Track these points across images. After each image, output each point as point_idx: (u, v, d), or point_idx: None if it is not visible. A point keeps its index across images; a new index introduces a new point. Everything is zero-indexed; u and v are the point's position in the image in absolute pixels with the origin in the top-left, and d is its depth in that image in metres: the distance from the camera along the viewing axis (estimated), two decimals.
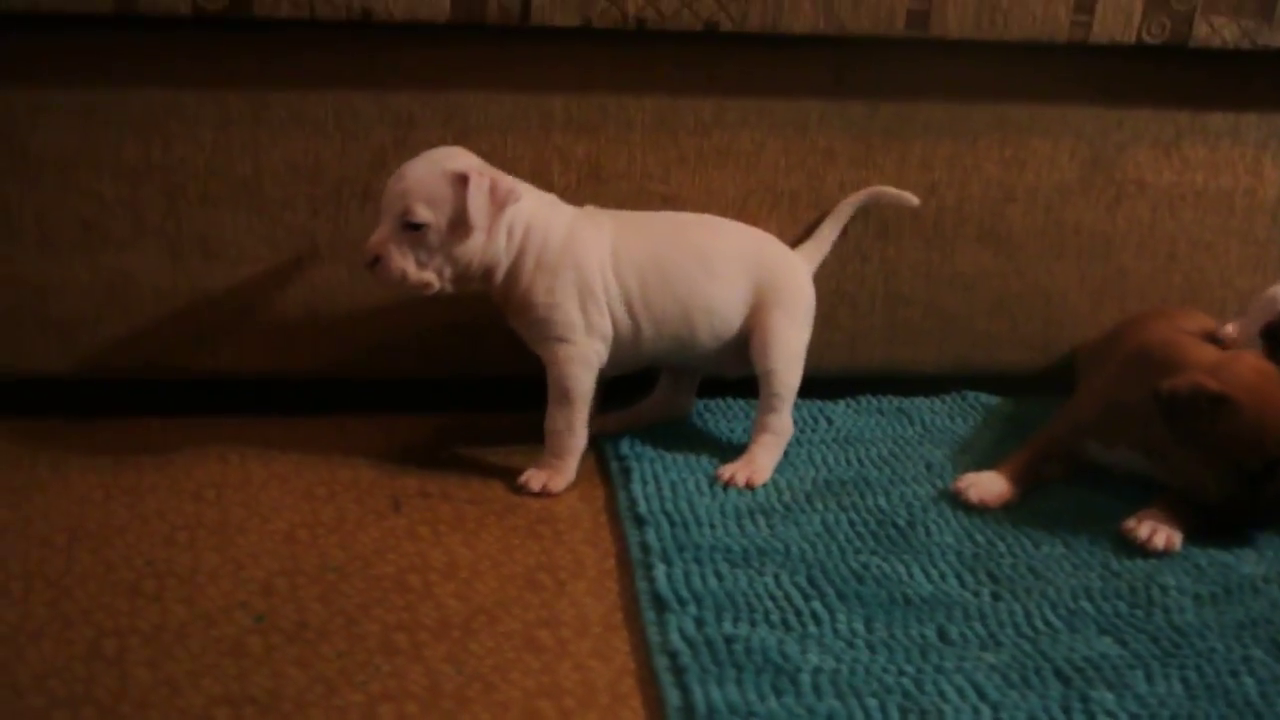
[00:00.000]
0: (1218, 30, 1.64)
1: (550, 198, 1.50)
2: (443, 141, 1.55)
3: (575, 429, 1.43)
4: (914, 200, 1.64)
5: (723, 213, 1.64)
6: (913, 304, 1.74)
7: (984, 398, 1.76)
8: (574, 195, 1.61)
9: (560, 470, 1.43)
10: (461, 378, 1.67)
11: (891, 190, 1.64)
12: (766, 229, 1.64)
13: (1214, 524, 1.33)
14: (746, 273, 1.53)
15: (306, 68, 1.51)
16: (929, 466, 1.51)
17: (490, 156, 1.57)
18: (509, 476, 1.44)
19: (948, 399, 1.74)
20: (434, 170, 1.37)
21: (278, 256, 1.58)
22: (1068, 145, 1.72)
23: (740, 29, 1.55)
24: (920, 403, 1.72)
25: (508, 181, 1.39)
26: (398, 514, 1.34)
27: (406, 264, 1.36)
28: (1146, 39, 1.63)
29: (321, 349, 1.62)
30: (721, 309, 1.50)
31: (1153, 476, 1.41)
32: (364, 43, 1.51)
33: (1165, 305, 1.77)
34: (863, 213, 1.68)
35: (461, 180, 1.35)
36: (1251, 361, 1.34)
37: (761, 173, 1.66)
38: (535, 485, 1.41)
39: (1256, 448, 1.28)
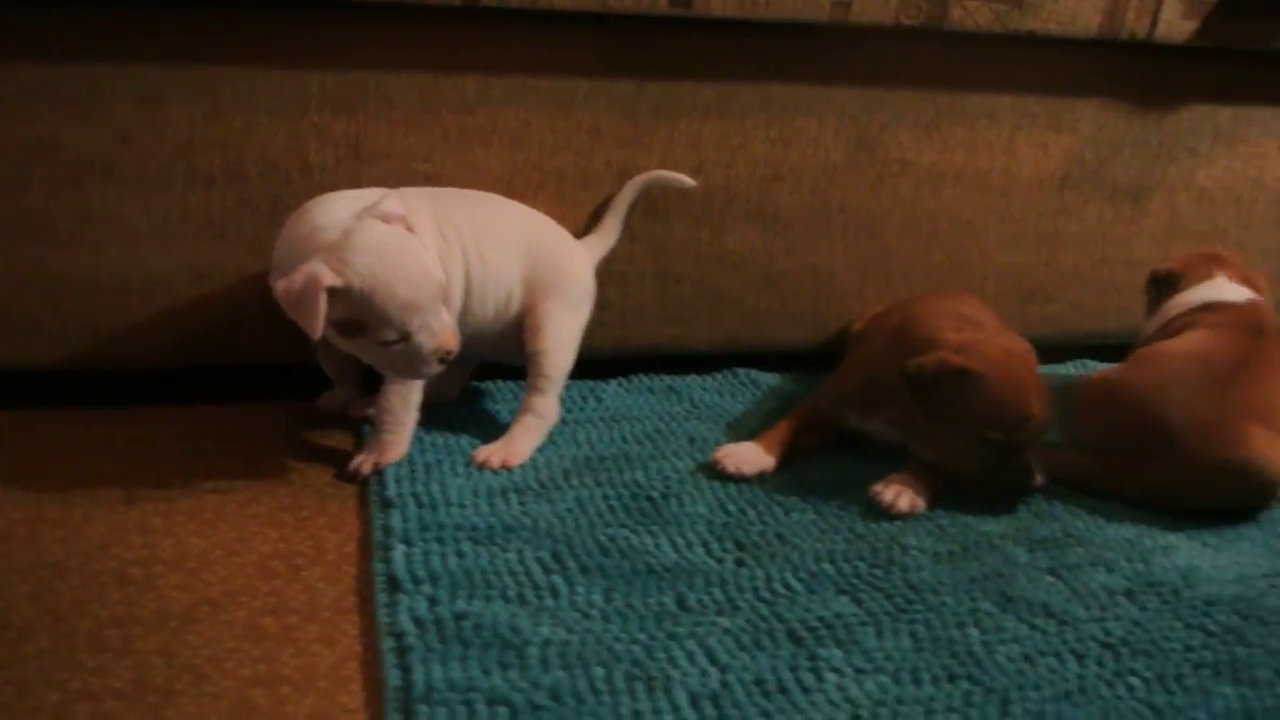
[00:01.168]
0: (971, 13, 1.68)
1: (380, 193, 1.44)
2: (189, 120, 1.49)
3: (410, 406, 1.40)
4: (690, 182, 1.64)
5: (488, 190, 1.61)
6: (683, 282, 1.75)
7: (756, 374, 1.77)
8: (333, 175, 1.56)
9: (393, 444, 1.39)
10: (210, 367, 1.60)
11: (668, 173, 1.64)
12: (534, 207, 1.62)
13: (963, 491, 1.36)
14: (525, 253, 1.51)
15: (45, 39, 1.42)
16: (692, 441, 1.51)
17: (244, 135, 1.52)
18: (255, 465, 1.39)
19: (719, 376, 1.75)
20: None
21: (10, 241, 1.49)
22: (832, 125, 1.74)
23: (501, 5, 1.52)
24: (692, 380, 1.72)
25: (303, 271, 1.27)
26: (129, 508, 1.27)
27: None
28: (904, 21, 1.66)
29: (61, 338, 1.53)
30: (506, 287, 1.48)
31: (907, 446, 1.43)
32: (107, 12, 1.43)
33: (944, 288, 1.80)
34: (664, 190, 1.67)
35: None
36: (999, 342, 1.38)
37: (528, 151, 1.63)
38: (366, 468, 1.37)
39: (997, 420, 1.32)
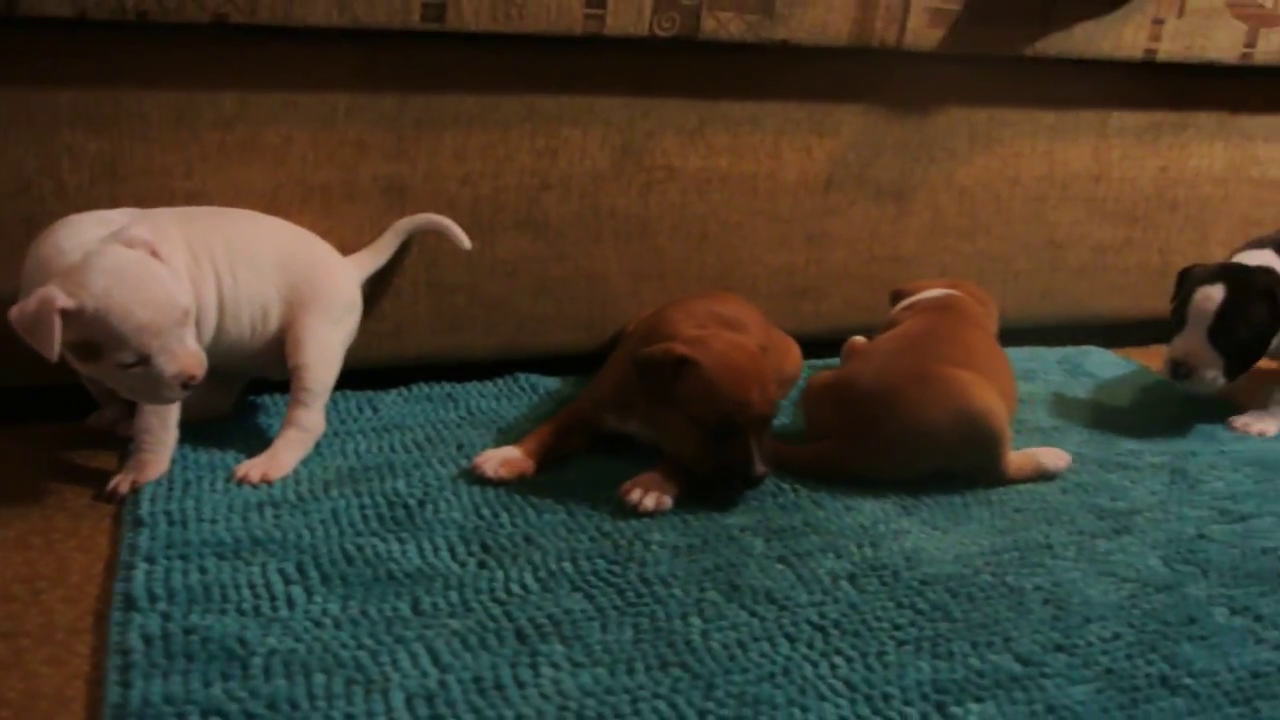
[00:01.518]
0: (724, 24, 1.76)
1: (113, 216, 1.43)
2: None
3: (169, 424, 1.41)
4: (467, 243, 1.67)
5: (253, 208, 1.62)
6: (456, 291, 1.78)
7: (535, 378, 1.82)
8: (89, 194, 1.56)
9: (152, 463, 1.40)
10: None
11: (452, 227, 1.68)
12: (300, 223, 1.64)
13: (698, 484, 1.43)
14: (281, 269, 1.52)
15: None
16: (460, 448, 1.55)
17: None
18: (10, 488, 1.38)
19: (499, 382, 1.79)
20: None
21: None
22: (598, 134, 1.80)
23: (250, 20, 1.53)
24: (471, 387, 1.76)
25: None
26: None
27: None
28: (658, 32, 1.72)
29: None
30: (262, 303, 1.49)
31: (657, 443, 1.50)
32: None
33: (710, 289, 1.88)
34: (399, 200, 1.70)
35: None
36: (727, 337, 1.45)
37: (291, 167, 1.65)
38: (124, 487, 1.37)
39: (713, 407, 1.39)
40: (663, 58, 1.79)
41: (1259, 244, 1.90)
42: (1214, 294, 1.74)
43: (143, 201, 1.58)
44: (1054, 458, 1.60)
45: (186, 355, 1.30)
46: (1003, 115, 2.09)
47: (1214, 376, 1.75)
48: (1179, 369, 1.76)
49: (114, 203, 1.55)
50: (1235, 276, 1.76)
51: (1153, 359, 2.23)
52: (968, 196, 2.11)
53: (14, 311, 1.24)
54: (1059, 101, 2.12)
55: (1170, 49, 2.09)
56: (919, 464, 1.49)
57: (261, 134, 1.63)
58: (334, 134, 1.66)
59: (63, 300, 1.23)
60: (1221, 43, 2.12)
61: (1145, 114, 2.21)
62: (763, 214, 1.95)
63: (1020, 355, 2.12)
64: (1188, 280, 1.82)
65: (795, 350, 1.86)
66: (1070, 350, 2.20)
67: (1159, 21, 2.06)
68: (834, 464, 1.50)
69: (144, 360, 1.27)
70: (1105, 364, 2.14)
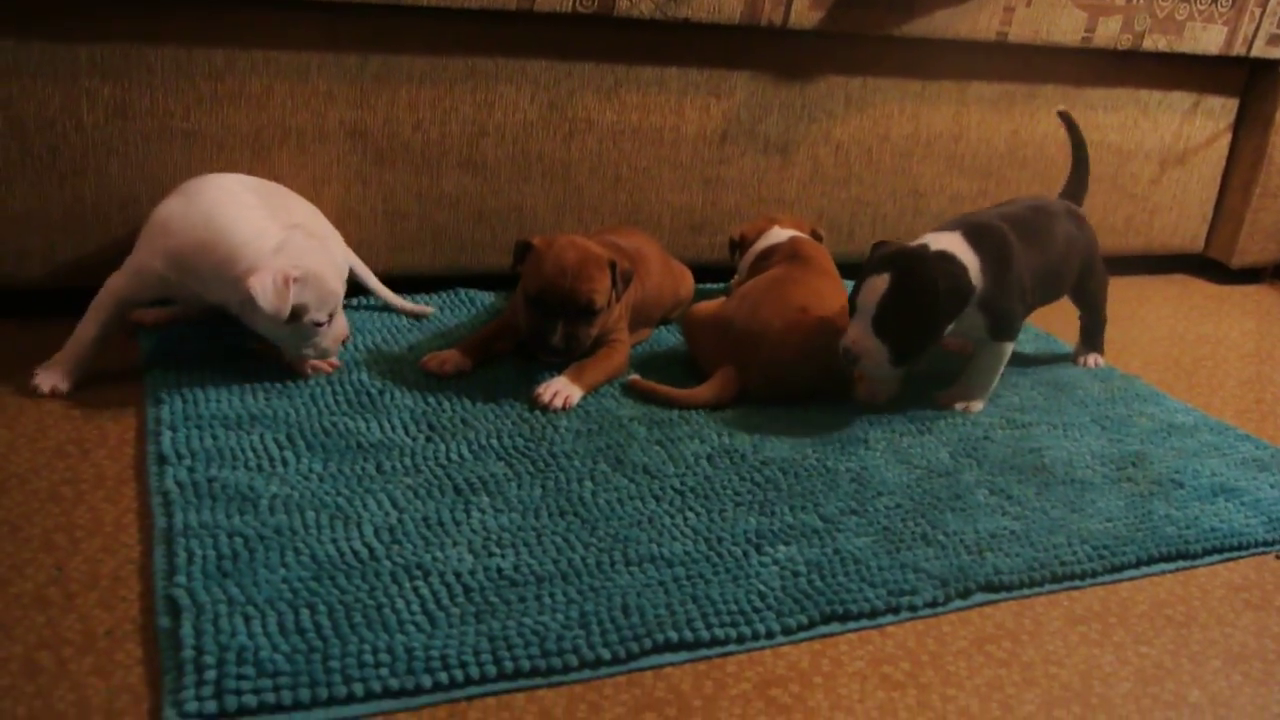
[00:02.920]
0: (636, 4, 2.11)
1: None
2: None
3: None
4: (426, 312, 2.05)
5: (239, 144, 1.96)
6: (408, 219, 2.14)
7: (473, 293, 2.19)
8: (104, 130, 1.88)
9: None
10: (7, 291, 1.92)
11: (407, 306, 2.06)
12: (279, 159, 1.98)
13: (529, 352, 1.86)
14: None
15: None
16: (411, 349, 1.92)
17: (20, 98, 1.82)
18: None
19: (443, 295, 2.17)
20: None
21: None
22: (528, 91, 2.15)
23: None
24: (419, 299, 2.13)
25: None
26: None
27: None
28: (580, 9, 2.07)
29: None
30: None
31: None
32: None
33: (621, 224, 2.25)
34: (361, 142, 2.05)
35: None
36: (575, 239, 1.84)
37: (271, 111, 1.99)
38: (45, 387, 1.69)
39: (533, 280, 1.80)
40: (584, 29, 2.14)
41: (952, 225, 1.87)
42: (878, 285, 1.73)
43: (149, 139, 1.91)
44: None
45: (344, 320, 1.73)
46: (875, 83, 2.47)
47: (879, 364, 1.76)
48: (848, 355, 1.77)
49: (125, 140, 1.88)
50: (902, 267, 1.73)
51: None
52: (843, 151, 2.49)
53: (254, 282, 1.61)
54: (924, 73, 2.50)
55: (1019, 33, 2.47)
56: (785, 388, 1.88)
57: (247, 84, 1.96)
58: (307, 86, 1.99)
59: (294, 271, 1.61)
60: (1065, 28, 2.51)
61: (1000, 85, 2.60)
62: (667, 161, 2.32)
63: None
64: (865, 264, 1.80)
65: (689, 277, 2.26)
66: None
67: (1010, 9, 2.44)
68: (721, 398, 1.87)
69: (330, 319, 1.68)
70: None
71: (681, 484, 1.59)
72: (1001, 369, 1.96)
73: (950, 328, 1.81)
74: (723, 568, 1.41)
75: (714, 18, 2.17)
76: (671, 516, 1.51)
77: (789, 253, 2.08)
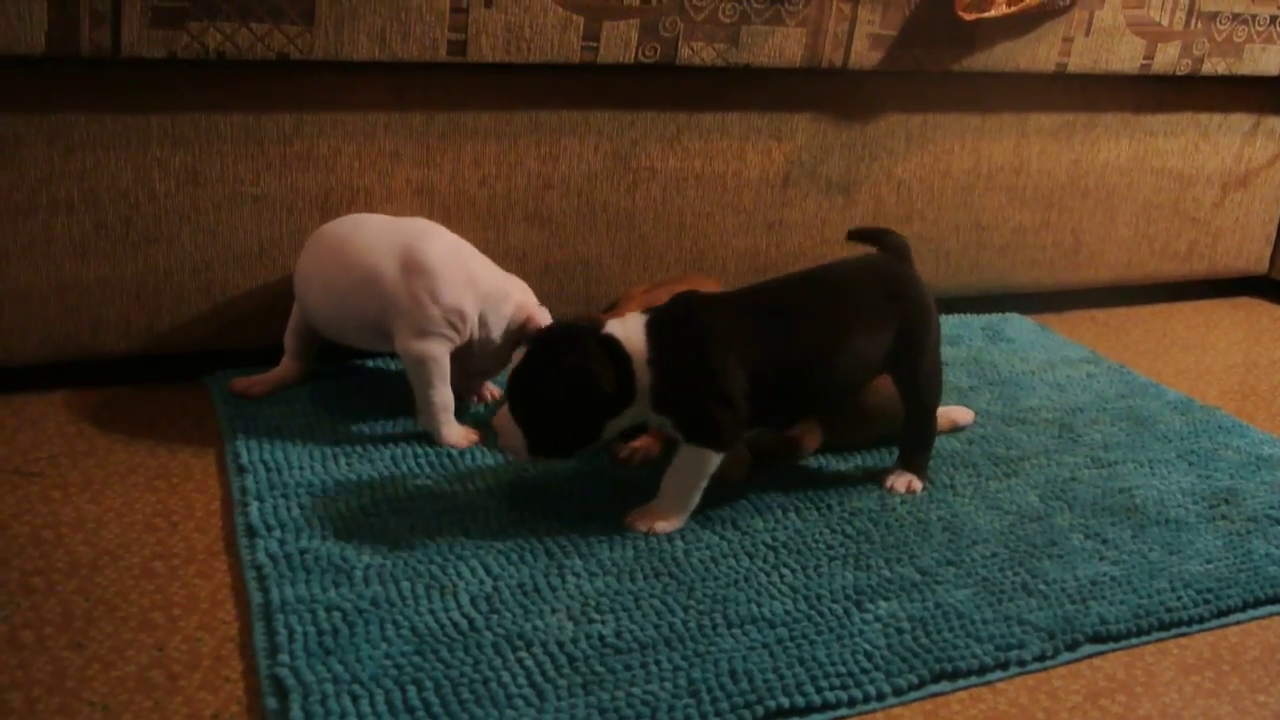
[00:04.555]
0: (697, 52, 2.10)
1: None
2: (48, 158, 1.79)
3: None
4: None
5: (308, 207, 1.97)
6: None
7: None
8: (175, 199, 1.89)
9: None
10: (76, 361, 1.92)
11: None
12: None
13: None
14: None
15: None
16: (486, 407, 1.91)
17: (94, 171, 1.83)
18: (129, 440, 1.73)
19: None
20: None
21: None
22: (592, 142, 2.15)
23: (307, 57, 1.87)
24: None
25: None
26: (29, 482, 1.60)
27: None
28: (643, 59, 2.07)
29: None
30: None
31: None
32: None
33: (686, 271, 2.24)
34: (428, 199, 2.05)
35: None
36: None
37: (339, 173, 1.99)
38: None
39: None
40: (647, 78, 2.14)
41: (650, 310, 1.56)
42: (515, 363, 1.55)
43: (220, 205, 1.92)
44: (964, 414, 1.98)
45: None
46: (935, 119, 2.45)
47: (519, 450, 1.53)
48: (496, 436, 1.56)
49: (196, 206, 1.89)
50: (533, 348, 1.54)
51: (1064, 325, 2.63)
52: (904, 188, 2.47)
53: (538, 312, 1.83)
54: (984, 106, 2.48)
55: (1079, 63, 2.46)
56: (867, 434, 1.86)
57: (315, 147, 1.96)
58: (374, 146, 2.00)
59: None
60: (1124, 56, 2.49)
61: (1059, 115, 2.58)
62: (730, 206, 2.31)
63: (951, 322, 2.50)
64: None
65: None
66: (993, 317, 2.58)
67: (1069, 40, 2.42)
68: (806, 447, 1.83)
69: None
70: (1021, 329, 2.52)
71: (773, 539, 1.57)
72: (702, 481, 1.56)
73: (612, 425, 1.53)
74: (825, 627, 1.38)
75: (775, 62, 2.16)
76: (767, 574, 1.49)
77: None
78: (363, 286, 1.77)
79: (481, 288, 1.80)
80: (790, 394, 1.58)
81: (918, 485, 1.73)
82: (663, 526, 1.56)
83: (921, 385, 1.70)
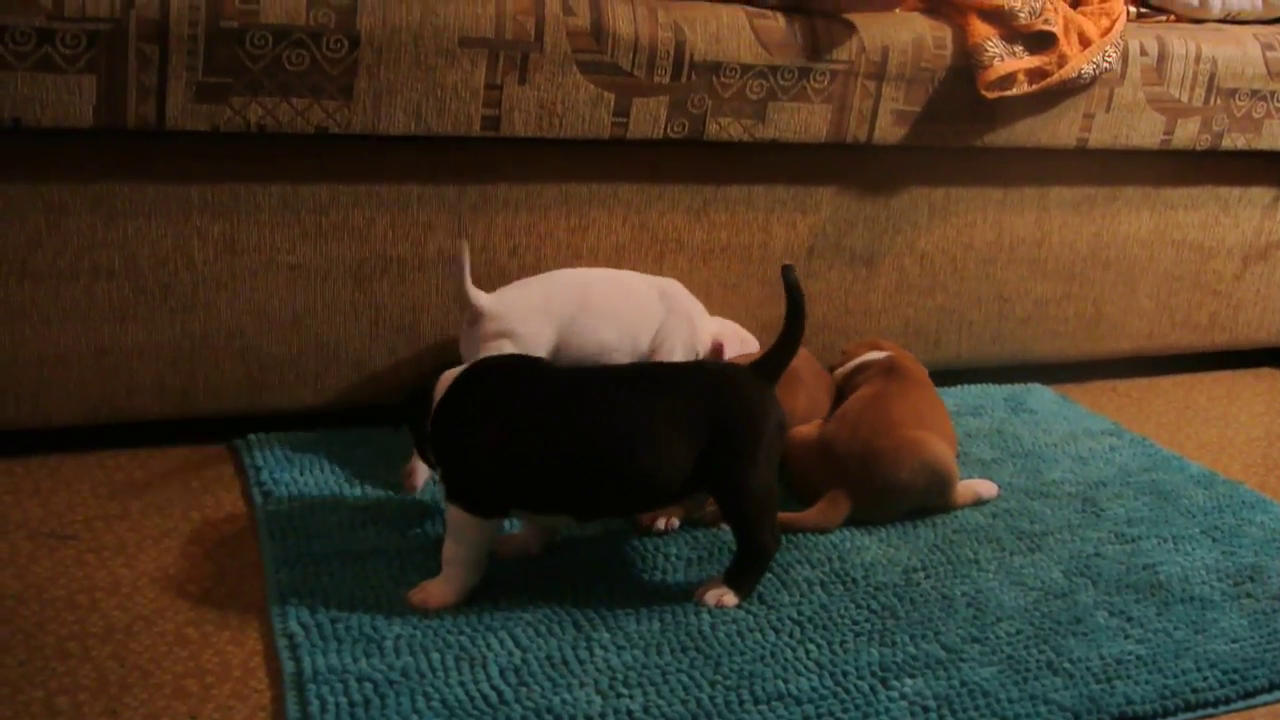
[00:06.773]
0: (725, 128, 2.14)
1: None
2: (91, 225, 1.84)
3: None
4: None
5: (342, 275, 2.01)
6: None
7: None
8: (214, 267, 1.93)
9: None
10: (113, 425, 1.95)
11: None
12: (379, 289, 2.02)
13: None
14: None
15: None
16: None
17: (135, 238, 1.87)
18: (162, 505, 1.76)
19: None
20: None
21: None
22: (620, 214, 2.18)
23: (345, 131, 1.91)
24: None
25: None
26: (65, 546, 1.63)
27: None
28: (671, 135, 2.11)
29: None
30: None
31: None
32: (18, 142, 1.77)
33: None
34: (488, 270, 2.08)
35: None
36: None
37: (373, 243, 2.03)
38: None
39: None
40: (674, 151, 2.18)
41: (468, 366, 1.62)
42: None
43: (256, 272, 1.96)
44: (988, 488, 2.00)
45: None
46: (957, 193, 2.48)
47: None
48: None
49: (233, 275, 1.93)
50: (421, 389, 1.58)
51: (1086, 395, 2.64)
52: (927, 260, 2.50)
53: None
54: (1006, 180, 2.51)
55: (1099, 139, 2.49)
56: (893, 509, 1.87)
57: (350, 217, 2.01)
58: (407, 216, 2.04)
59: None
60: (1144, 131, 2.52)
61: (1080, 189, 2.61)
62: (755, 277, 2.34)
63: (972, 392, 2.51)
64: None
65: None
66: (1016, 388, 2.59)
67: (1089, 116, 2.46)
68: (832, 521, 1.85)
69: None
70: (1044, 400, 2.53)
71: (799, 613, 1.58)
72: (464, 546, 1.51)
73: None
74: (851, 704, 1.39)
75: (800, 137, 2.20)
76: (793, 649, 1.50)
77: (885, 367, 2.08)
78: None
79: None
80: (557, 482, 1.50)
81: (729, 601, 1.56)
82: (430, 599, 1.51)
83: (746, 504, 1.53)
